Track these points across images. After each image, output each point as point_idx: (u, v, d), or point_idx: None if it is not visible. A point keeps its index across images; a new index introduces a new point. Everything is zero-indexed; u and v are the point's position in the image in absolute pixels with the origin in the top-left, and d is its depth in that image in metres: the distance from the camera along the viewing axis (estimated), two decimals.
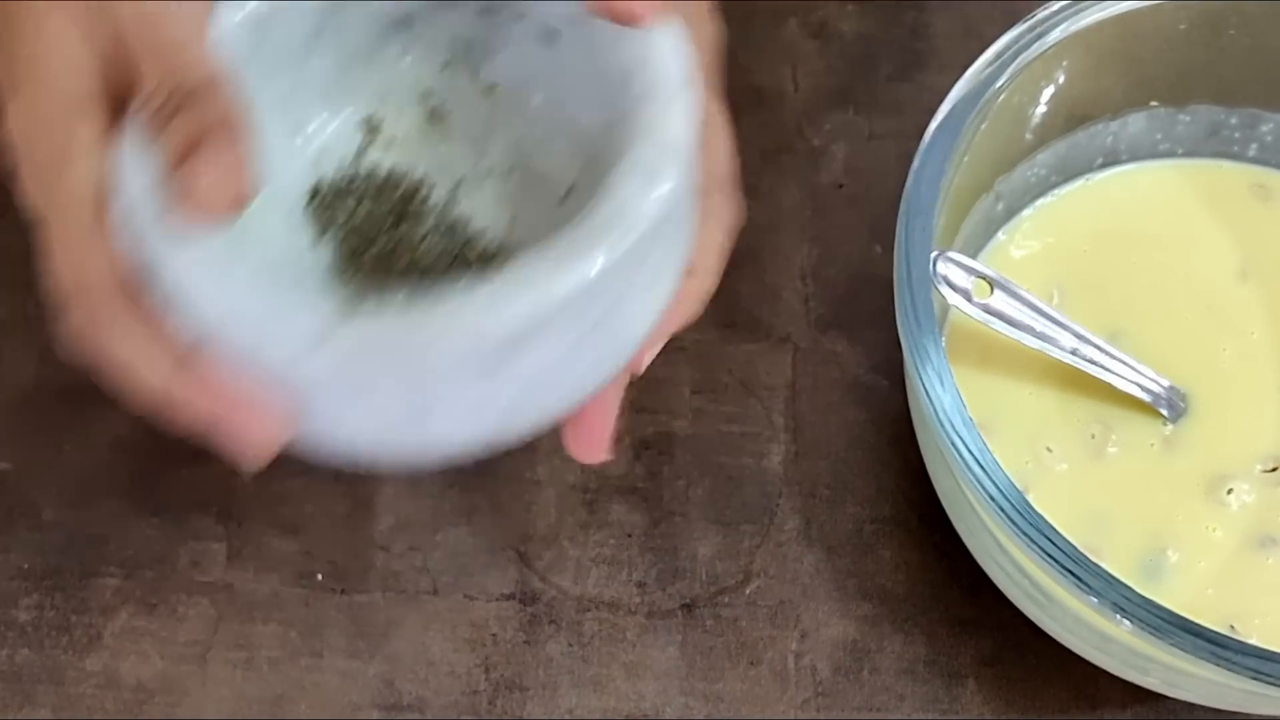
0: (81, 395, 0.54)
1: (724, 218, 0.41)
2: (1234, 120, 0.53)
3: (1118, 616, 0.39)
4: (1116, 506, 0.48)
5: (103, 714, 0.49)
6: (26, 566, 0.51)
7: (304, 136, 0.43)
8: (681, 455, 0.53)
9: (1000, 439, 0.48)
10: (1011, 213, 0.53)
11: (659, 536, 0.52)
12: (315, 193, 0.43)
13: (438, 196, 0.44)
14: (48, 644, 0.50)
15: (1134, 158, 0.54)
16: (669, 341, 0.54)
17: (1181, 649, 0.39)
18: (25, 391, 0.54)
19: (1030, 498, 0.41)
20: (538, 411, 0.38)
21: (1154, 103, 0.52)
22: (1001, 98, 0.47)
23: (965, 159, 0.47)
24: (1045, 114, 0.50)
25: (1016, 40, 0.47)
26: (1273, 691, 0.39)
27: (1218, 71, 0.51)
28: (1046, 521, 0.40)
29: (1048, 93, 0.50)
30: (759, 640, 0.50)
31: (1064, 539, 0.40)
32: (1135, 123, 0.53)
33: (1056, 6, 0.47)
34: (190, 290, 0.35)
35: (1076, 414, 0.49)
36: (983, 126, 0.47)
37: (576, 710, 0.49)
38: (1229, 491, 0.47)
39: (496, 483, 0.53)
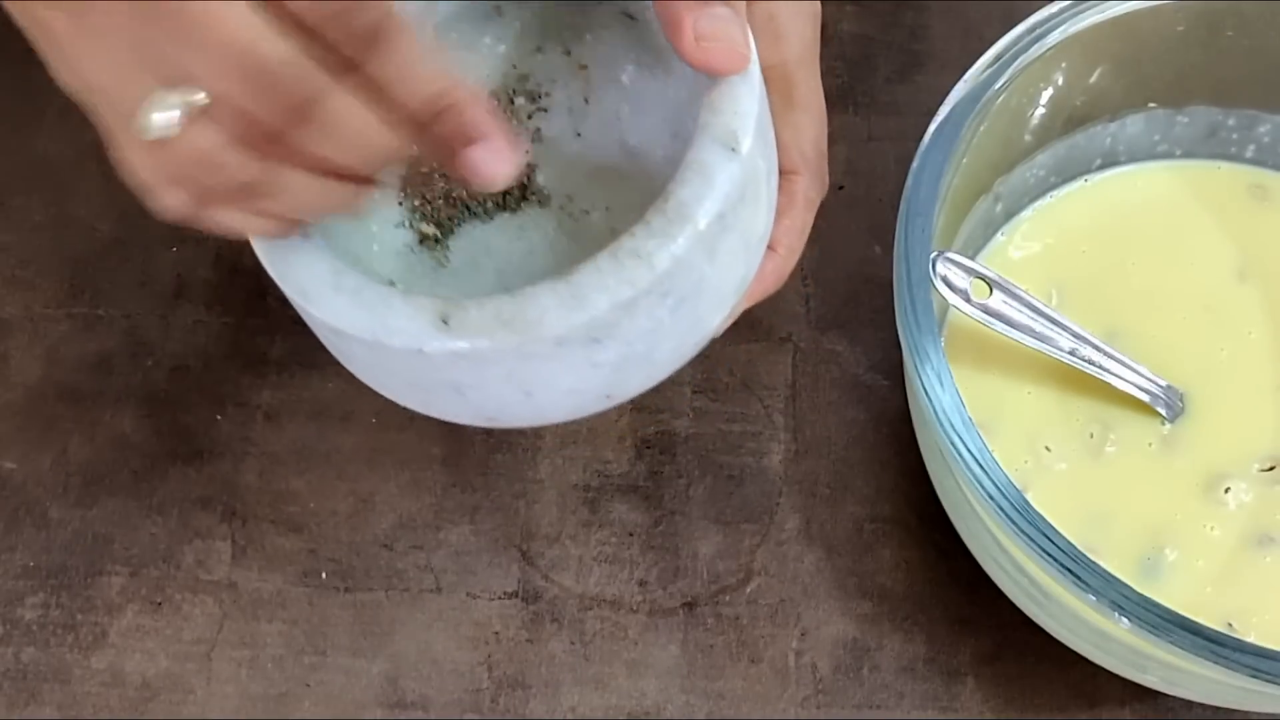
0: (86, 395, 0.54)
1: (809, 198, 0.42)
2: (1231, 121, 0.53)
3: (1116, 615, 0.40)
4: (1115, 505, 0.48)
5: (108, 712, 0.49)
6: (32, 565, 0.52)
7: None
8: (683, 454, 0.53)
9: (999, 438, 0.48)
10: (1011, 214, 0.53)
11: (660, 535, 0.52)
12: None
13: (544, 178, 0.45)
14: (53, 642, 0.50)
15: (1132, 159, 0.54)
16: None
17: (1179, 647, 0.39)
18: (30, 392, 0.54)
19: (1029, 497, 0.41)
20: (634, 383, 0.39)
21: (1152, 104, 0.52)
22: (1000, 99, 0.47)
23: (964, 160, 0.47)
24: (1044, 115, 0.51)
25: (1015, 42, 0.47)
26: (1270, 689, 0.39)
27: (1215, 73, 0.51)
28: (1045, 520, 0.41)
29: (1046, 94, 0.50)
30: (759, 638, 0.50)
31: (1063, 538, 0.40)
32: (1134, 124, 0.53)
33: (1055, 9, 0.48)
34: (310, 302, 0.36)
35: (1075, 413, 0.49)
36: (981, 128, 0.47)
37: (579, 708, 0.50)
38: (1227, 490, 0.48)
39: (499, 482, 0.53)
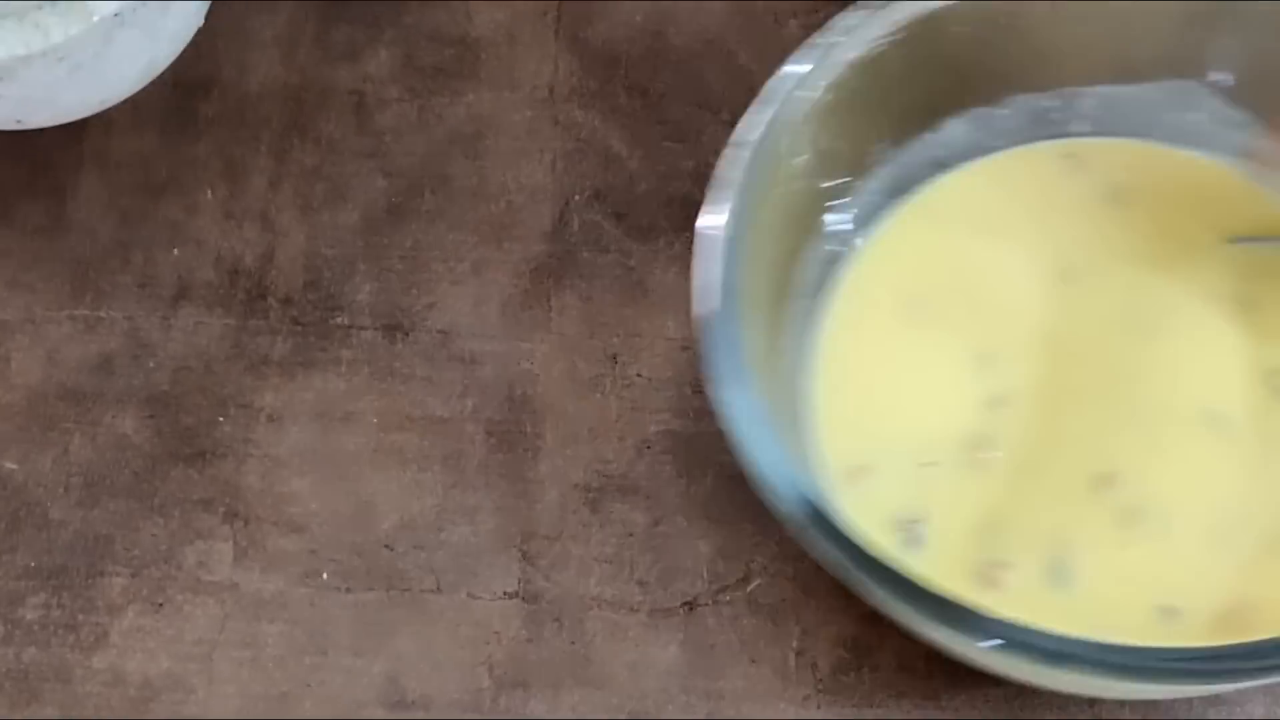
0: (87, 396, 0.54)
1: None
2: (1056, 103, 0.52)
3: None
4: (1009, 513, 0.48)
5: (109, 712, 0.50)
6: (33, 565, 0.52)
7: None
8: (683, 454, 0.53)
9: (887, 469, 0.49)
10: (848, 244, 0.52)
11: (660, 535, 0.52)
12: None
13: None
14: (54, 643, 0.51)
15: (963, 159, 0.53)
16: (669, 341, 0.55)
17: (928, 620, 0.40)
18: (31, 392, 0.54)
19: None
20: (40, 118, 0.54)
21: (971, 105, 0.52)
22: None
23: (763, 219, 0.46)
24: (848, 148, 0.50)
25: (788, 81, 0.47)
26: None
27: (1021, 63, 0.51)
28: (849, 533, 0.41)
29: (838, 126, 0.49)
30: (759, 638, 0.50)
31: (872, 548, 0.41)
32: (955, 128, 0.52)
33: (837, 28, 0.48)
34: None
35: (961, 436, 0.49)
36: (773, 191, 0.47)
37: (579, 708, 0.50)
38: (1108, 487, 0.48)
39: (499, 482, 0.53)
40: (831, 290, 0.51)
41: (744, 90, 0.59)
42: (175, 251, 0.57)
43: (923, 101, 0.51)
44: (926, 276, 0.52)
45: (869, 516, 0.47)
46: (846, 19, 0.48)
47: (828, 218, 0.51)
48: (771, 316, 0.48)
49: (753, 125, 0.46)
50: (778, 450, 0.42)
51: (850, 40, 0.48)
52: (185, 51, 0.61)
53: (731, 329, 0.44)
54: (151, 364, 0.55)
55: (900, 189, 0.53)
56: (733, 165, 0.46)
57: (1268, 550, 0.47)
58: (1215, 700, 0.49)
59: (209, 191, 0.58)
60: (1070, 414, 0.49)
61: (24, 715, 0.49)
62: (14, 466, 0.53)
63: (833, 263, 0.52)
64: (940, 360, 0.50)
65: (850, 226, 0.52)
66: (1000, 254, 0.52)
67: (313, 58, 0.61)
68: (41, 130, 0.59)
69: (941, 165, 0.53)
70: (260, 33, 0.61)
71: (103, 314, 0.56)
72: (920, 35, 0.48)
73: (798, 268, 0.50)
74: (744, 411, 0.43)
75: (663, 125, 0.59)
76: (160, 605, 0.51)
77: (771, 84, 0.47)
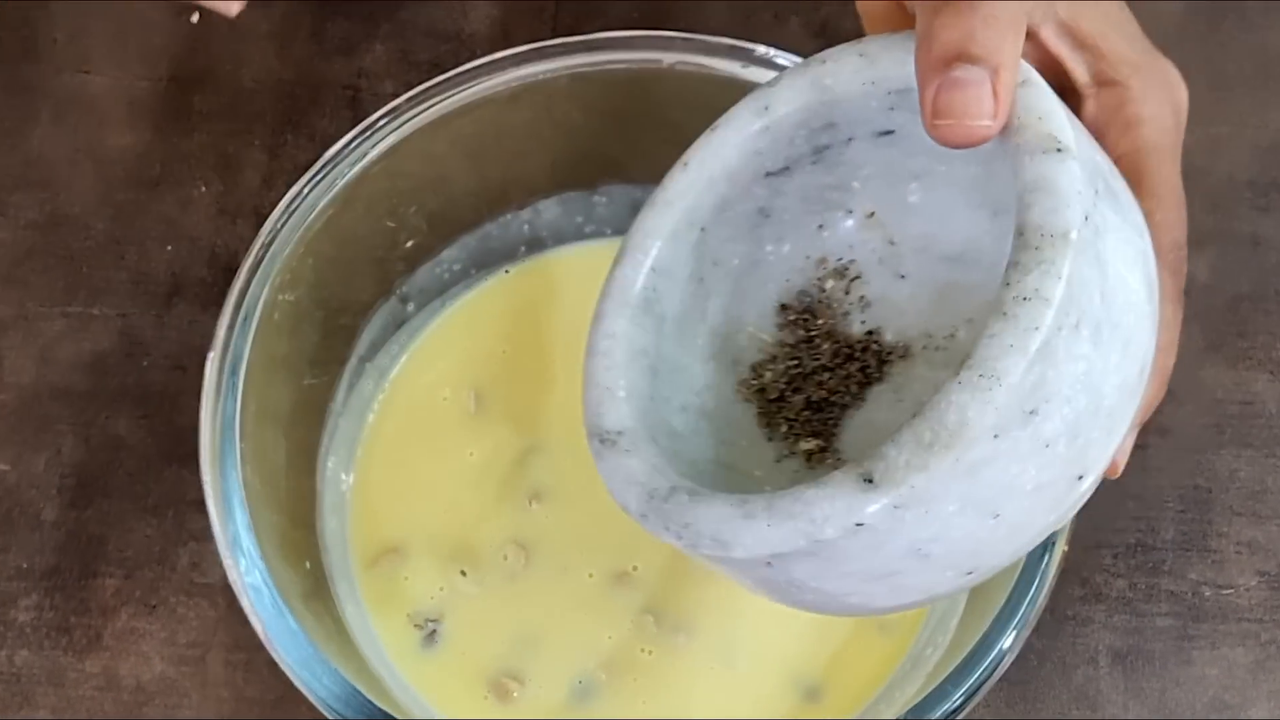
0: (80, 395, 0.54)
1: (1168, 294, 0.38)
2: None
3: None
4: (542, 628, 0.47)
5: (102, 715, 0.49)
6: (26, 567, 0.51)
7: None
8: None
9: (414, 563, 0.48)
10: (427, 312, 0.52)
11: None
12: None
13: (892, 334, 0.42)
14: (47, 645, 0.50)
15: (559, 241, 0.52)
16: None
17: None
18: (24, 392, 0.54)
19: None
20: (1098, 447, 0.34)
21: (565, 189, 0.51)
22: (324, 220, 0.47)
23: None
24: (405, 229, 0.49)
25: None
26: None
27: (609, 155, 0.50)
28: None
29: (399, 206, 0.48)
30: None
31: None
32: (548, 209, 0.51)
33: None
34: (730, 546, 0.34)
35: (492, 533, 0.48)
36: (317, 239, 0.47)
37: None
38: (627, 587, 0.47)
39: None
40: (388, 375, 0.51)
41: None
42: (169, 248, 0.57)
43: (502, 177, 0.50)
44: (491, 366, 0.50)
45: (388, 606, 0.47)
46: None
47: (397, 281, 0.50)
48: (295, 424, 0.48)
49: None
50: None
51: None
52: (180, 45, 0.60)
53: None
54: (145, 363, 0.55)
55: (487, 262, 0.52)
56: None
57: (778, 679, 0.46)
58: (1219, 704, 0.49)
59: (203, 186, 0.58)
60: (598, 507, 0.46)
61: (16, 718, 0.49)
62: (6, 467, 0.53)
63: (401, 334, 0.51)
64: (490, 454, 0.49)
65: (428, 292, 0.51)
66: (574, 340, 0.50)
67: (307, 52, 0.60)
68: (36, 124, 0.59)
69: (537, 244, 0.52)
70: (256, 26, 0.61)
71: (96, 311, 0.55)
72: (482, 116, 0.47)
73: (367, 325, 0.50)
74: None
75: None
76: (154, 607, 0.51)
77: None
